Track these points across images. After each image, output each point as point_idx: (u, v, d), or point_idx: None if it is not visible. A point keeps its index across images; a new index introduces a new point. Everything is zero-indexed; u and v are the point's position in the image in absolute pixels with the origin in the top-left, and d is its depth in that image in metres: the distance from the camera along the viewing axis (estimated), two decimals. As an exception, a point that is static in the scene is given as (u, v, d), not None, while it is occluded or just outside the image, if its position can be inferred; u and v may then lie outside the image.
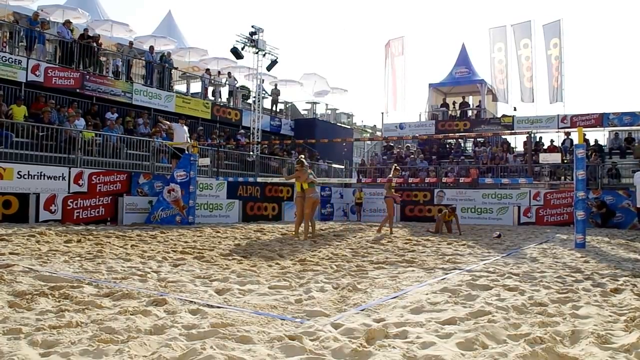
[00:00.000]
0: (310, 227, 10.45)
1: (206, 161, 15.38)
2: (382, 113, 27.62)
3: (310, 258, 7.06)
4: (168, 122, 15.07)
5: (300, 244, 9.01)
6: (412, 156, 23.00)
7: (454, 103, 27.02)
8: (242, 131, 21.63)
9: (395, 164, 13.48)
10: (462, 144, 25.22)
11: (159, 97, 18.84)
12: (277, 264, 6.44)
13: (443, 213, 12.87)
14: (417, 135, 21.88)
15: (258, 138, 21.25)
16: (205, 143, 16.66)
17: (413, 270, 6.09)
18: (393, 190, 12.66)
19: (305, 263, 6.56)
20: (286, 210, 18.50)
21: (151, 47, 19.94)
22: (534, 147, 20.73)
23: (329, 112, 30.03)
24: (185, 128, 14.93)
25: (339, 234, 11.41)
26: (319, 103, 29.43)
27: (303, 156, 10.81)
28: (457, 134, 20.18)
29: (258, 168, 19.20)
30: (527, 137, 12.13)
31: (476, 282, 5.16)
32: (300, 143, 20.52)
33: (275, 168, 19.95)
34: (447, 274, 5.84)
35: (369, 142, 29.93)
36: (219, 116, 21.50)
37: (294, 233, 10.78)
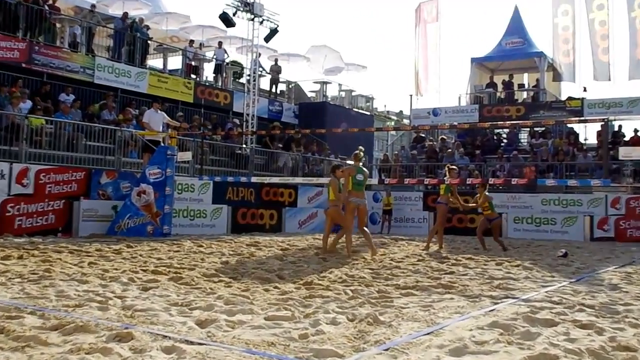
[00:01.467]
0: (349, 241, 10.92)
1: (187, 156, 15.43)
2: (411, 96, 27.62)
3: (318, 280, 7.09)
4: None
5: (306, 263, 9.09)
6: (449, 151, 22.90)
7: (503, 83, 26.90)
8: (236, 121, 21.72)
9: (449, 164, 13.55)
10: (515, 135, 25.16)
11: (127, 74, 18.98)
12: (276, 287, 6.47)
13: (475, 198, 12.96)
14: (455, 123, 21.76)
15: (253, 127, 21.32)
16: (186, 132, 16.67)
17: (452, 299, 6.10)
18: (449, 195, 12.78)
19: (312, 287, 6.59)
20: (288, 219, 18.52)
21: (125, 14, 20.02)
22: (612, 138, 20.57)
23: (343, 94, 30.05)
24: (162, 114, 14.97)
25: (355, 250, 11.49)
26: (330, 83, 29.51)
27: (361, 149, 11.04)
28: (509, 122, 20.10)
29: (252, 165, 19.25)
30: (601, 125, 11.93)
31: (536, 316, 5.10)
32: (306, 133, 20.49)
33: (276, 167, 19.96)
34: (497, 303, 5.83)
35: (393, 132, 29.95)
36: (203, 99, 21.64)
37: (329, 248, 11.11)
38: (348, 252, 10.64)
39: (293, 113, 26.14)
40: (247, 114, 21.53)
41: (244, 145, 20.36)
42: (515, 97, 26.50)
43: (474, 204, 13.16)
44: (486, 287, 6.99)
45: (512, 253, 12.40)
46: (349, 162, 12.68)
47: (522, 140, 25.25)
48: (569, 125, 23.67)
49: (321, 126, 22.85)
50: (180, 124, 16.00)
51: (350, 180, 10.51)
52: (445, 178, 12.92)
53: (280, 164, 20.30)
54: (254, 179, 16.57)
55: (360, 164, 10.73)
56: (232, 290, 6.23)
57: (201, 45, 23.43)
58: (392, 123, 48.86)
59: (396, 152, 25.24)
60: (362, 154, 10.78)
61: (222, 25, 22.05)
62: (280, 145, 21.52)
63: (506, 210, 19.07)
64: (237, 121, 21.65)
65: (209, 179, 16.09)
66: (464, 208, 13.41)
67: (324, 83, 29.07)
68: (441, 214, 12.82)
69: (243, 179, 16.68)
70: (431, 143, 24.60)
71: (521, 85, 27.17)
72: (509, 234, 18.73)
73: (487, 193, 12.64)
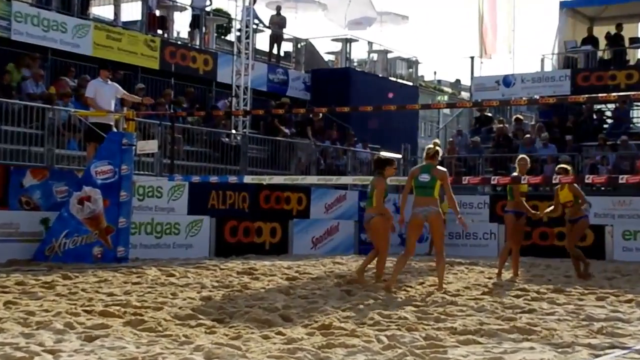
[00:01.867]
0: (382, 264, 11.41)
1: (152, 146, 15.36)
2: (472, 58, 27.41)
3: (340, 323, 7.10)
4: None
5: (322, 297, 9.17)
6: (528, 137, 22.80)
7: (608, 37, 26.61)
8: (226, 102, 21.66)
9: (523, 155, 13.59)
10: (625, 113, 24.98)
11: (62, 28, 18.98)
12: (279, 333, 6.51)
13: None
14: (536, 97, 21.58)
15: (247, 105, 21.29)
16: (149, 112, 16.66)
17: (532, 348, 6.08)
18: (524, 199, 12.88)
19: (331, 332, 6.61)
20: (296, 236, 18.50)
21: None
22: None
23: (375, 56, 29.91)
24: (115, 86, 14.95)
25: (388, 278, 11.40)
26: (356, 41, 29.41)
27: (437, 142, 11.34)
28: (615, 95, 19.77)
29: (246, 159, 19.20)
30: None
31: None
32: (321, 113, 20.44)
33: (285, 163, 19.95)
34: (598, 356, 5.82)
35: (447, 110, 29.78)
36: (174, 64, 21.69)
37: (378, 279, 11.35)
38: (377, 278, 11.00)
39: (303, 84, 26.16)
40: (238, 86, 21.49)
41: (234, 131, 20.36)
42: (627, 58, 26.19)
43: (550, 209, 13.11)
44: (582, 331, 6.97)
45: (620, 283, 12.28)
46: (384, 153, 12.59)
47: (634, 121, 25.00)
48: None
49: (343, 103, 22.68)
50: (141, 99, 15.96)
51: (413, 183, 10.67)
52: (516, 173, 12.95)
53: (299, 159, 20.24)
54: (247, 179, 16.48)
55: (434, 163, 10.74)
56: (217, 338, 6.24)
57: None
58: (445, 98, 48.76)
59: (451, 139, 25.07)
60: (435, 149, 10.80)
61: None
62: (293, 131, 21.50)
63: (611, 220, 18.97)
64: (226, 102, 21.66)
65: (184, 180, 16.04)
66: (534, 217, 13.42)
67: (348, 41, 28.97)
68: (512, 228, 12.81)
69: (232, 179, 16.57)
70: (501, 126, 24.44)
71: (634, 40, 26.85)
72: (616, 254, 18.67)
73: (575, 185, 12.71)
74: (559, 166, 13.31)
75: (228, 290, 9.72)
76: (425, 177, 10.50)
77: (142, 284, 10.19)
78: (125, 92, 15.35)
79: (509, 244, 13.04)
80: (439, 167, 10.74)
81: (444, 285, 10.71)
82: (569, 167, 13.09)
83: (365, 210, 12.03)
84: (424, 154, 10.99)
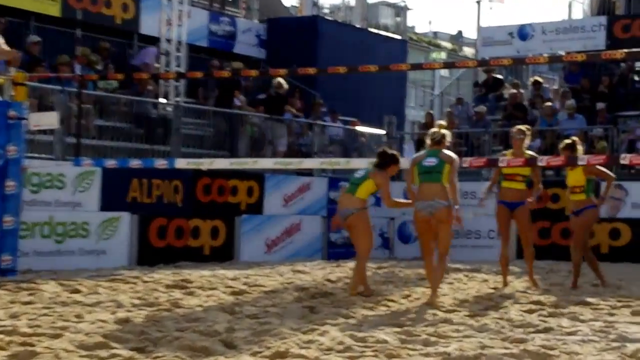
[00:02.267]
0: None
1: (50, 120, 15.23)
2: (478, 2, 27.55)
3: (298, 349, 7.18)
4: None
5: (278, 317, 9.32)
6: (549, 104, 23.06)
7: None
8: (153, 50, 21.56)
9: (526, 126, 13.89)
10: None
11: None
12: None
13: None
14: (561, 53, 21.62)
15: (180, 65, 21.32)
16: (46, 74, 16.51)
17: None
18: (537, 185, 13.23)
19: None
20: (245, 237, 18.57)
21: None
22: None
23: (351, 1, 29.98)
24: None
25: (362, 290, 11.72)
26: (326, -19, 29.48)
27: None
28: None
29: (179, 137, 19.24)
30: None
31: None
32: (279, 75, 20.34)
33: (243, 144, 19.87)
34: None
35: (444, 71, 29.91)
36: (81, 11, 21.63)
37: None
38: (352, 290, 11.61)
39: (256, 38, 26.29)
40: (169, 40, 21.43)
41: (163, 100, 20.32)
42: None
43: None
44: (612, 356, 7.05)
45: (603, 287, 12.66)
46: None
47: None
48: None
49: (309, 62, 22.71)
50: (13, 53, 15.52)
51: (416, 171, 11.16)
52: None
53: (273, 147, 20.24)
54: (181, 164, 16.38)
55: (442, 149, 11.22)
56: None
57: None
58: (443, 55, 48.98)
59: (448, 109, 25.18)
60: (441, 133, 11.25)
61: None
62: (243, 99, 21.44)
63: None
64: (154, 52, 21.60)
65: (95, 165, 15.95)
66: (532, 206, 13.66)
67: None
68: (524, 224, 13.16)
69: (161, 164, 16.47)
70: (515, 92, 24.54)
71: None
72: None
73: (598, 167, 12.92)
74: (564, 142, 13.29)
75: (153, 310, 9.72)
76: (431, 161, 10.98)
77: (35, 304, 10.10)
78: (4, 45, 15.01)
79: (525, 244, 13.42)
80: (447, 151, 11.18)
81: (438, 299, 10.88)
82: (578, 142, 13.09)
83: (340, 204, 12.31)
84: (428, 140, 11.29)
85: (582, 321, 9.11)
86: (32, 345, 7.19)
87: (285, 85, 21.63)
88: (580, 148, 13.07)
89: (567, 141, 13.17)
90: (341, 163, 18.40)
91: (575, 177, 12.87)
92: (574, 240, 13.20)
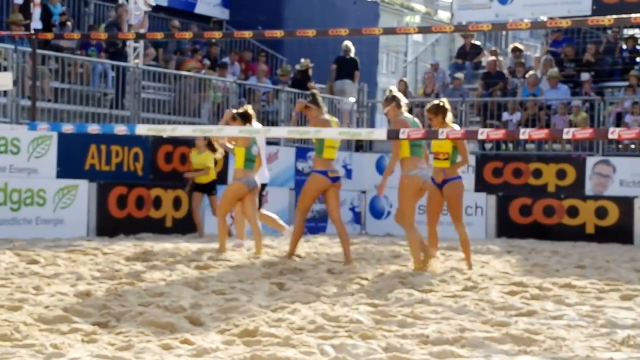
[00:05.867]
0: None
1: (4, 81, 15.11)
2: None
3: (268, 327, 7.20)
4: None
5: (246, 292, 9.35)
6: (532, 72, 23.17)
7: None
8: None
9: (437, 101, 13.52)
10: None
11: None
12: (185, 341, 6.60)
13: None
14: (543, 18, 21.67)
15: (140, 24, 21.21)
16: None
17: None
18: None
19: (256, 339, 6.74)
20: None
21: None
22: None
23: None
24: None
25: (337, 268, 11.83)
26: None
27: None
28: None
29: (139, 101, 19.20)
30: None
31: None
32: (243, 37, 20.28)
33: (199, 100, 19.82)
34: None
35: (418, 36, 29.90)
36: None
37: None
38: (289, 254, 12.14)
39: (219, -1, 26.13)
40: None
41: (129, 64, 20.23)
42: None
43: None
44: (601, 342, 7.02)
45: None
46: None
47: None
48: None
49: (274, 24, 22.90)
50: None
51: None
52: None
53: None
54: (141, 129, 16.29)
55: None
56: (98, 348, 6.26)
57: None
58: (417, 19, 48.94)
59: (428, 73, 25.06)
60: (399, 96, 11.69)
61: None
62: (207, 63, 21.39)
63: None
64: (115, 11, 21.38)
65: (51, 129, 15.89)
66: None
67: None
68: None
69: (120, 129, 16.36)
70: (494, 59, 24.70)
71: None
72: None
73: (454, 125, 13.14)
74: (429, 105, 13.13)
75: (114, 283, 9.75)
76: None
77: (-10, 275, 10.10)
78: None
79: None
80: (416, 119, 11.75)
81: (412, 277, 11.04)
82: (441, 103, 12.94)
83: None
84: (389, 102, 11.72)
85: (568, 305, 9.11)
86: (-12, 317, 7.23)
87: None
88: (450, 114, 13.00)
89: (436, 102, 13.03)
90: (311, 133, 18.29)
91: (439, 143, 12.81)
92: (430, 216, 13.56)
